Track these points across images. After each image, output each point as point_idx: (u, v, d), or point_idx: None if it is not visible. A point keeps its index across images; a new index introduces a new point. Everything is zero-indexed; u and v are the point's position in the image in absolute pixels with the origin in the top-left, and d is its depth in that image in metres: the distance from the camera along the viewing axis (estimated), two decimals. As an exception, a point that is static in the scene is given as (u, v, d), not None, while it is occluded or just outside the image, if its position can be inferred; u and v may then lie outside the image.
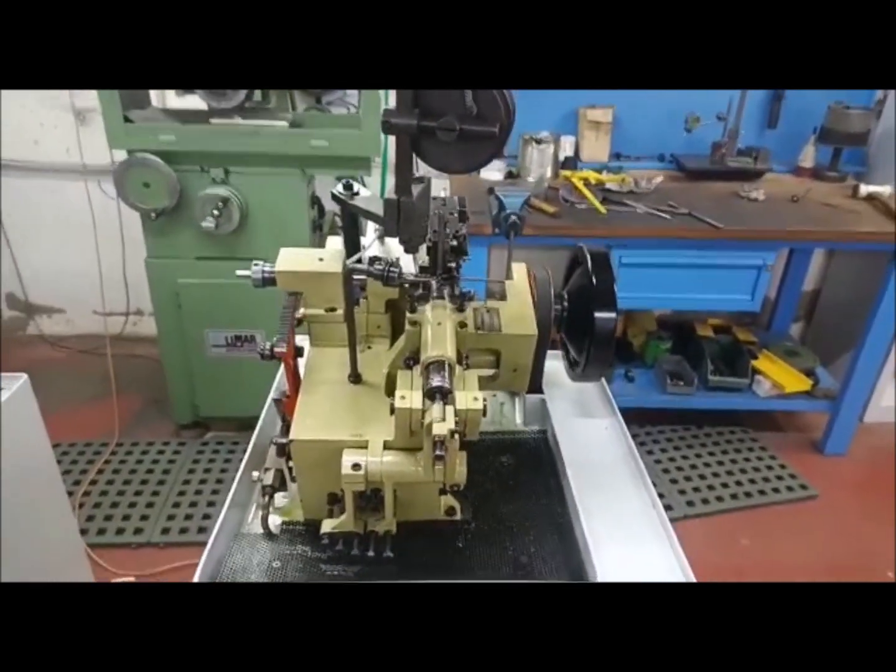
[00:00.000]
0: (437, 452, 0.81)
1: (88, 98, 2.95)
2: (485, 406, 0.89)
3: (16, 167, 3.18)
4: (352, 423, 0.97)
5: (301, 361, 1.10)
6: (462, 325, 1.04)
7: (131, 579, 2.18)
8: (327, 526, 0.99)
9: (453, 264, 1.04)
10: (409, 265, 1.05)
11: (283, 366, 1.16)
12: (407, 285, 1.00)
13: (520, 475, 1.16)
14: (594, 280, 1.16)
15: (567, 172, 2.76)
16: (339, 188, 1.03)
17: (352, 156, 2.33)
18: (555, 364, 1.34)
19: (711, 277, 2.49)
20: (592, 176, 2.71)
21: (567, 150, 2.91)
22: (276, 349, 1.00)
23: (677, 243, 2.42)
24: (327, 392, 1.03)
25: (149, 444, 2.76)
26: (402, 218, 0.89)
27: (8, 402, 1.46)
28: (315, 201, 2.58)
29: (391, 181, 2.84)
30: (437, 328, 0.94)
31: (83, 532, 2.25)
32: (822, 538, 2.51)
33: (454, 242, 1.04)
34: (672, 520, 1.10)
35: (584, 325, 1.16)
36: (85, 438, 2.77)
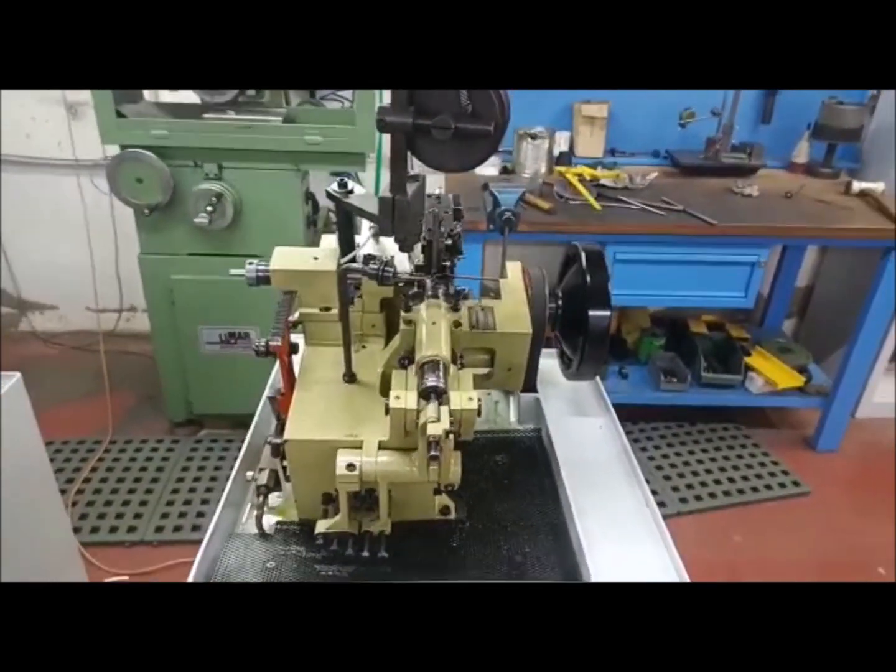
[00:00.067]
0: (432, 453, 0.81)
1: (80, 92, 2.93)
2: (479, 406, 0.89)
3: (7, 161, 3.16)
4: (346, 422, 0.96)
5: (296, 359, 1.09)
6: (457, 324, 1.04)
7: (125, 578, 2.18)
8: (322, 526, 0.99)
9: (448, 263, 1.04)
10: (403, 263, 1.04)
11: (277, 363, 1.16)
12: (402, 284, 1.00)
13: (514, 474, 1.17)
14: (588, 278, 1.16)
15: (562, 168, 2.75)
16: (334, 186, 1.03)
17: (346, 152, 2.32)
18: (549, 363, 1.34)
19: (705, 274, 2.50)
20: (587, 172, 2.71)
21: (562, 145, 2.90)
22: (272, 343, 1.00)
23: (671, 240, 2.42)
24: (322, 391, 1.02)
25: (142, 441, 2.75)
26: (396, 217, 0.89)
27: (1, 401, 1.45)
28: (309, 197, 2.57)
29: (386, 177, 2.83)
30: (432, 328, 0.94)
31: (76, 530, 2.24)
32: (814, 534, 2.52)
33: (449, 241, 1.03)
34: (665, 516, 1.10)
35: (578, 323, 1.16)
36: (78, 436, 2.76)
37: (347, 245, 1.04)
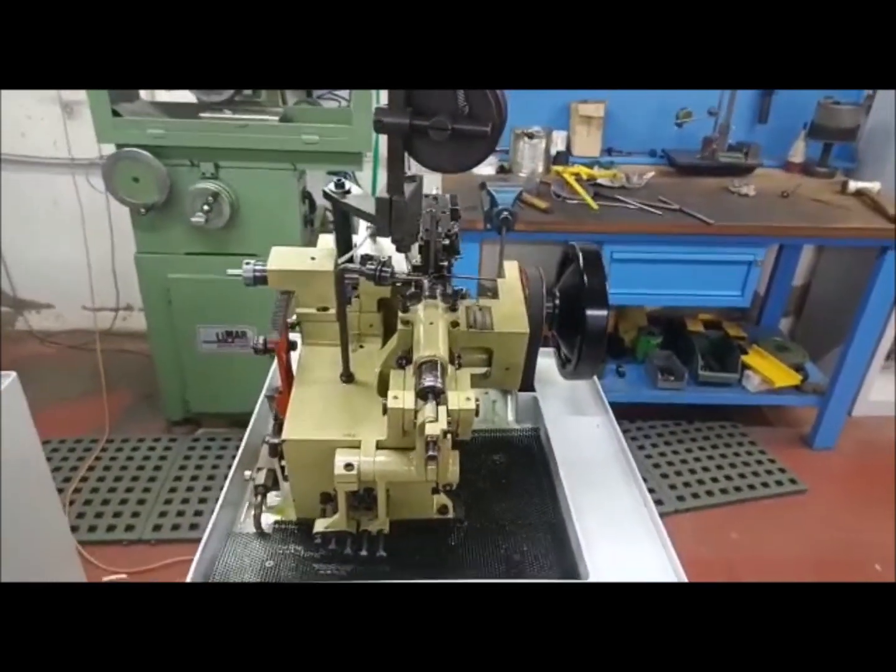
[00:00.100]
0: (430, 453, 0.81)
1: (75, 91, 2.92)
2: (477, 406, 0.89)
3: (2, 160, 3.15)
4: (344, 422, 0.97)
5: (293, 358, 1.10)
6: (454, 324, 1.04)
7: (123, 577, 2.18)
8: (320, 525, 0.99)
9: (445, 263, 1.04)
10: (401, 264, 1.04)
11: (275, 362, 1.16)
12: (399, 284, 1.00)
13: (512, 473, 1.17)
14: (585, 278, 1.16)
15: (559, 167, 2.76)
16: (331, 186, 1.03)
17: (343, 151, 2.31)
18: (547, 362, 1.35)
19: (702, 273, 2.50)
20: (584, 171, 2.71)
21: (559, 144, 2.91)
22: (270, 338, 1.00)
23: (668, 239, 2.43)
24: (320, 391, 1.02)
25: (139, 440, 2.75)
26: (394, 217, 0.89)
27: (-3, 401, 1.45)
28: (306, 196, 2.57)
29: (383, 177, 2.81)
30: (430, 328, 0.94)
31: (74, 529, 2.23)
32: (810, 532, 2.53)
33: (446, 241, 1.03)
34: (662, 514, 1.10)
35: (575, 323, 1.16)
36: (75, 435, 2.76)
37: (345, 245, 1.04)
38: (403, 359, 0.98)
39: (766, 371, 2.91)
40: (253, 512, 1.05)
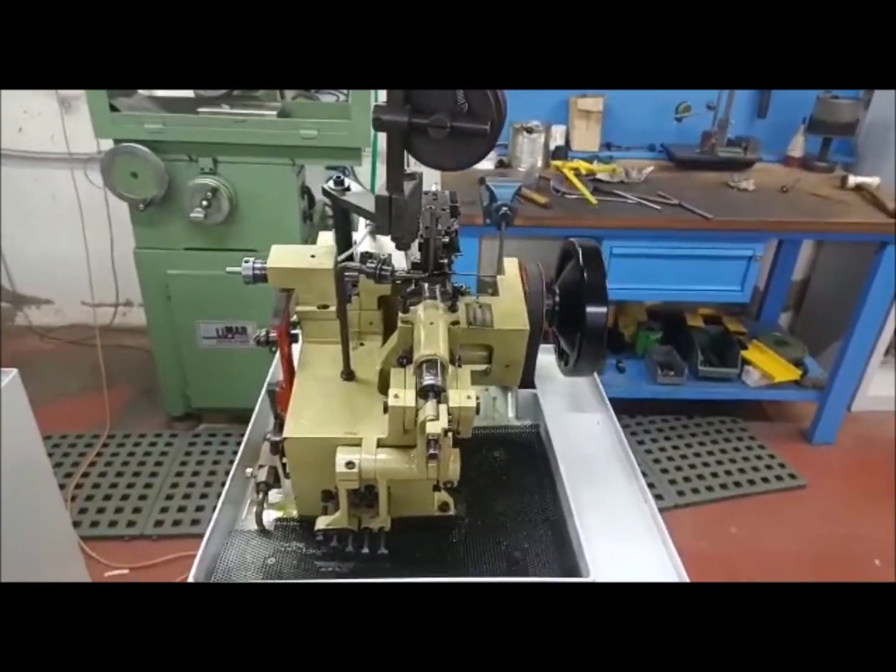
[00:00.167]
0: (431, 451, 0.81)
1: (73, 86, 2.91)
2: (478, 404, 0.89)
3: (1, 155, 3.14)
4: (345, 420, 0.97)
5: (294, 352, 1.10)
6: (454, 323, 1.04)
7: (125, 572, 2.18)
8: (322, 523, 0.99)
9: (445, 260, 1.04)
10: (401, 261, 1.04)
11: (276, 357, 1.16)
12: (399, 282, 1.00)
13: (512, 470, 1.17)
14: (585, 275, 1.16)
15: (558, 162, 2.75)
16: (331, 184, 1.03)
17: (342, 146, 2.31)
18: (547, 358, 1.35)
19: (701, 268, 2.50)
20: (583, 166, 2.71)
21: (558, 139, 2.90)
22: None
23: (667, 234, 2.43)
24: (320, 389, 1.03)
25: (141, 435, 2.76)
26: (393, 215, 0.88)
27: (-2, 398, 1.46)
28: (305, 191, 2.56)
29: (382, 171, 2.80)
30: (430, 327, 0.94)
31: (76, 525, 2.25)
32: (810, 526, 2.54)
33: (446, 239, 1.03)
34: (662, 509, 1.11)
35: (575, 319, 1.16)
36: (76, 430, 2.76)
37: (344, 242, 1.04)
38: (404, 358, 0.98)
39: (765, 366, 2.91)
40: (255, 509, 1.05)
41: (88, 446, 2.68)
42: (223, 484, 1.07)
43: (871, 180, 2.67)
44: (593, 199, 2.46)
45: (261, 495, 1.05)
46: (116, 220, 3.04)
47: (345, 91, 2.92)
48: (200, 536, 0.98)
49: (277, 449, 1.03)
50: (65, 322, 3.55)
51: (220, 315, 2.55)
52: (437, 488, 1.00)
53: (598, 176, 2.66)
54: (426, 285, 1.01)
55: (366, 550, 0.98)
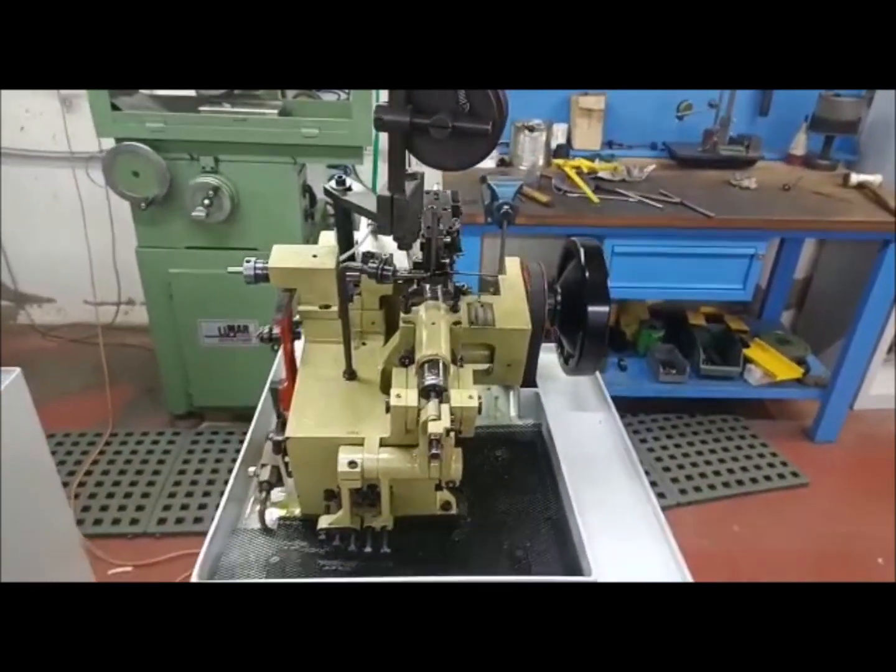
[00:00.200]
0: (433, 451, 0.81)
1: (75, 85, 2.91)
2: (480, 404, 0.89)
3: (2, 154, 3.14)
4: (347, 420, 0.97)
5: (297, 348, 1.10)
6: (456, 323, 1.04)
7: (128, 569, 2.19)
8: (324, 522, 0.99)
9: (447, 260, 1.04)
10: (402, 260, 1.05)
11: (278, 355, 1.16)
12: (401, 282, 1.00)
13: (514, 469, 1.17)
14: (587, 274, 1.16)
15: (559, 161, 2.75)
16: (332, 184, 1.03)
17: (343, 145, 2.31)
18: (549, 357, 1.35)
19: (703, 267, 2.50)
20: (585, 164, 2.71)
21: (559, 137, 2.90)
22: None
23: (669, 232, 2.42)
24: (323, 389, 1.03)
25: (143, 434, 2.76)
26: (395, 216, 0.89)
27: (1, 397, 1.46)
28: (306, 190, 2.57)
29: (383, 170, 2.79)
30: (432, 327, 0.94)
31: (79, 523, 2.25)
32: (812, 525, 2.54)
33: (447, 239, 1.03)
34: (665, 507, 1.11)
35: (577, 319, 1.16)
36: (79, 429, 2.77)
37: (346, 242, 1.04)
38: (406, 358, 0.98)
39: (767, 364, 2.91)
40: (257, 508, 1.05)
41: (91, 444, 2.69)
42: (226, 482, 1.08)
43: (874, 178, 2.66)
44: (595, 198, 2.46)
45: (263, 494, 1.05)
46: (118, 219, 3.04)
47: (346, 90, 2.92)
48: (203, 534, 0.98)
49: (280, 448, 1.03)
50: (67, 321, 3.56)
51: (221, 314, 2.55)
52: (439, 487, 1.00)
53: (600, 174, 2.66)
54: (428, 285, 1.01)
55: (368, 549, 0.98)
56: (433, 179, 1.23)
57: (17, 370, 1.52)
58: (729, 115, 2.79)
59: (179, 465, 2.60)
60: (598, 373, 1.39)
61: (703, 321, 3.15)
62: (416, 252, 1.04)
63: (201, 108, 2.32)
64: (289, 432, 0.95)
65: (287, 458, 1.02)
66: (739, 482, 2.67)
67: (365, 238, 1.06)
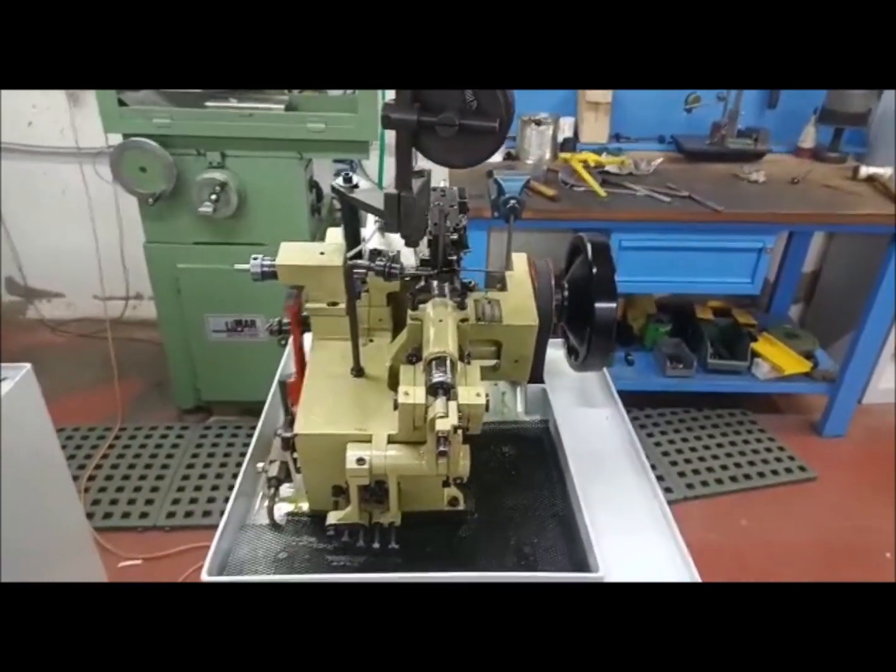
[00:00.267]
0: (441, 448, 0.82)
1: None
2: (487, 401, 0.90)
3: (10, 149, 3.15)
4: (355, 416, 0.98)
5: (305, 344, 1.11)
6: (463, 320, 1.04)
7: (138, 563, 2.21)
8: (333, 518, 1.00)
9: (454, 257, 1.04)
10: (409, 257, 1.05)
11: (287, 349, 1.17)
12: (408, 279, 1.00)
13: (521, 465, 1.18)
14: (594, 270, 1.16)
15: (566, 155, 2.73)
16: (339, 181, 1.03)
17: (349, 140, 2.31)
18: (556, 353, 1.35)
19: (711, 260, 2.49)
20: (592, 158, 2.69)
21: (566, 131, 2.88)
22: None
23: (677, 226, 2.41)
24: (331, 386, 1.03)
25: (152, 428, 2.78)
26: (402, 213, 0.89)
27: (12, 392, 1.47)
28: (313, 185, 2.57)
29: (389, 164, 2.79)
30: (439, 325, 0.94)
31: (89, 516, 2.27)
32: (820, 519, 2.54)
33: (455, 236, 1.03)
34: (672, 502, 1.11)
35: (584, 315, 1.16)
36: (88, 423, 2.79)
37: (353, 239, 1.04)
38: (413, 356, 0.98)
39: (775, 358, 2.89)
40: (266, 504, 1.06)
41: (101, 438, 2.71)
42: (234, 476, 1.09)
43: (884, 171, 2.64)
44: (602, 192, 2.45)
45: (272, 490, 1.06)
46: (126, 215, 3.06)
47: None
48: (212, 528, 0.99)
49: (288, 445, 1.04)
50: (76, 315, 3.58)
51: (229, 309, 2.56)
52: (446, 484, 1.01)
53: (607, 168, 2.65)
54: (435, 282, 1.01)
55: (376, 545, 0.99)
56: (440, 175, 1.23)
57: (28, 366, 1.54)
58: (737, 108, 2.77)
59: (188, 459, 2.62)
60: (605, 368, 1.39)
61: (710, 315, 3.13)
62: (423, 249, 1.05)
63: (208, 104, 2.33)
64: (297, 429, 0.96)
65: (295, 455, 1.03)
66: (747, 476, 2.67)
67: (372, 235, 1.06)
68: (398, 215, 0.88)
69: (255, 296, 2.45)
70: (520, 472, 1.16)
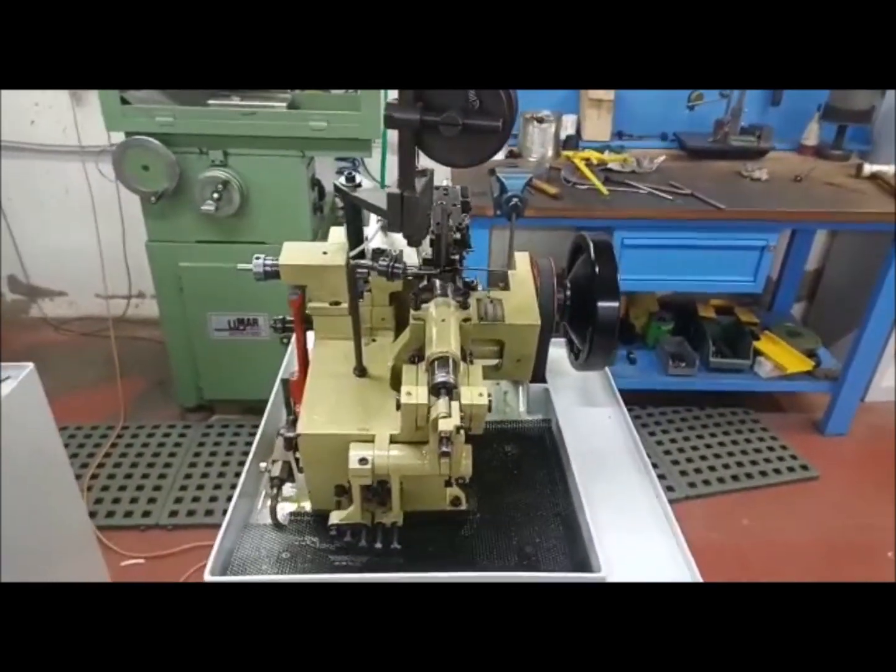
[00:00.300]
0: (444, 449, 0.82)
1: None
2: (490, 401, 0.89)
3: (13, 148, 3.16)
4: (358, 416, 0.98)
5: (309, 336, 1.11)
6: (466, 320, 1.04)
7: (140, 561, 2.22)
8: (335, 517, 1.00)
9: (456, 257, 1.04)
10: (412, 256, 1.05)
11: (290, 348, 1.17)
12: (411, 278, 1.00)
13: (524, 464, 1.18)
14: (597, 269, 1.16)
15: (569, 152, 2.73)
16: (342, 180, 1.03)
17: (352, 138, 2.31)
18: (558, 353, 1.35)
19: (714, 259, 2.48)
20: (594, 156, 2.69)
21: (569, 128, 2.87)
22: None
23: (680, 224, 2.41)
24: (333, 385, 1.03)
25: (154, 427, 2.79)
26: (405, 213, 0.89)
27: (14, 392, 1.47)
28: (315, 183, 2.56)
29: (391, 162, 2.78)
30: (442, 325, 0.94)
31: (92, 515, 2.27)
32: (822, 518, 2.53)
33: (457, 235, 1.03)
34: (674, 501, 1.11)
35: (587, 314, 1.16)
36: (91, 421, 2.79)
37: (356, 238, 1.04)
38: (416, 356, 0.98)
39: (778, 357, 2.89)
40: (269, 503, 1.06)
41: (103, 437, 2.72)
42: (236, 475, 1.09)
43: (888, 169, 2.63)
44: (604, 190, 2.44)
45: (275, 490, 1.06)
46: (128, 213, 3.05)
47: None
48: (214, 526, 0.99)
49: (291, 445, 1.04)
50: (78, 314, 3.58)
51: (231, 307, 2.56)
52: (448, 483, 1.01)
53: (610, 166, 2.64)
54: (437, 282, 1.01)
55: (379, 545, 0.99)
56: (442, 174, 1.23)
57: (31, 366, 1.54)
58: (740, 105, 2.76)
59: (190, 458, 2.63)
60: (607, 367, 1.39)
61: (713, 313, 3.13)
62: (426, 248, 1.04)
63: (210, 102, 2.32)
64: (300, 429, 0.96)
65: (298, 455, 1.03)
66: (749, 475, 2.66)
67: (375, 234, 1.06)
68: (401, 215, 0.88)
69: (258, 294, 2.45)
70: (522, 472, 1.16)
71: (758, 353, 2.91)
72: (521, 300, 1.16)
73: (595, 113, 2.89)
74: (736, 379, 2.91)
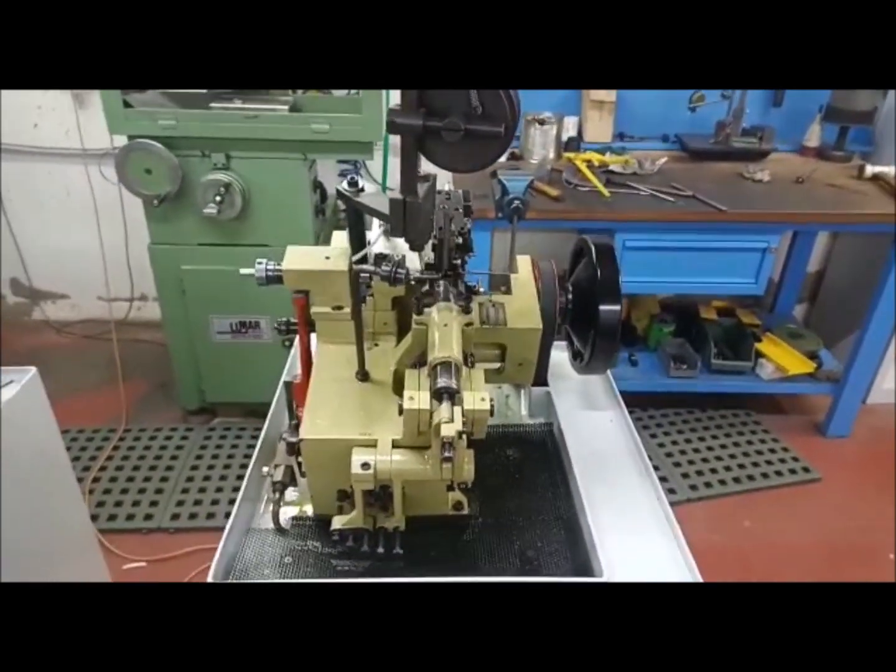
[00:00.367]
0: (446, 454, 0.82)
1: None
2: (492, 406, 0.90)
3: (16, 151, 3.16)
4: (360, 421, 0.98)
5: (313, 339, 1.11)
6: (468, 324, 1.04)
7: (142, 565, 2.22)
8: (337, 522, 1.00)
9: (459, 261, 1.04)
10: (414, 261, 1.05)
11: (294, 348, 1.17)
12: (413, 283, 1.00)
13: (525, 468, 1.18)
14: (598, 272, 1.16)
15: (570, 154, 2.73)
16: (345, 185, 1.03)
17: (353, 140, 2.31)
18: (560, 356, 1.35)
19: (715, 260, 2.48)
20: (596, 157, 2.69)
21: (570, 130, 2.88)
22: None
23: (681, 226, 2.41)
24: (336, 390, 1.03)
25: (156, 429, 2.79)
26: (408, 218, 0.89)
27: (17, 396, 1.48)
28: (317, 186, 2.57)
29: (393, 165, 2.78)
30: (444, 329, 0.94)
31: (94, 518, 2.27)
32: (824, 520, 2.53)
33: (459, 239, 1.03)
34: (675, 503, 1.11)
35: (588, 317, 1.16)
36: (93, 424, 2.80)
37: (358, 243, 1.04)
38: (418, 361, 0.98)
39: (779, 359, 2.89)
40: (271, 508, 1.06)
41: (105, 440, 2.72)
42: (238, 477, 1.09)
43: (889, 170, 2.63)
44: (606, 192, 2.44)
45: (277, 495, 1.06)
46: (131, 216, 3.06)
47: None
48: (216, 530, 0.99)
49: (293, 449, 1.04)
50: (80, 316, 3.59)
51: (233, 310, 2.57)
52: (451, 488, 1.01)
53: (611, 167, 2.64)
54: (440, 286, 1.01)
55: (381, 550, 0.99)
56: (444, 178, 1.23)
57: (33, 369, 1.54)
58: (742, 107, 2.76)
59: (192, 461, 2.63)
60: (608, 371, 1.39)
61: (714, 315, 3.13)
62: (428, 253, 1.04)
63: (212, 105, 2.33)
64: (302, 434, 0.96)
65: (300, 459, 1.03)
66: (750, 477, 2.66)
67: (377, 239, 1.06)
68: (404, 220, 0.89)
69: (260, 297, 2.42)
70: (524, 476, 1.16)
71: (759, 354, 2.91)
72: (522, 304, 1.16)
73: (596, 114, 2.89)
74: (737, 381, 2.91)
